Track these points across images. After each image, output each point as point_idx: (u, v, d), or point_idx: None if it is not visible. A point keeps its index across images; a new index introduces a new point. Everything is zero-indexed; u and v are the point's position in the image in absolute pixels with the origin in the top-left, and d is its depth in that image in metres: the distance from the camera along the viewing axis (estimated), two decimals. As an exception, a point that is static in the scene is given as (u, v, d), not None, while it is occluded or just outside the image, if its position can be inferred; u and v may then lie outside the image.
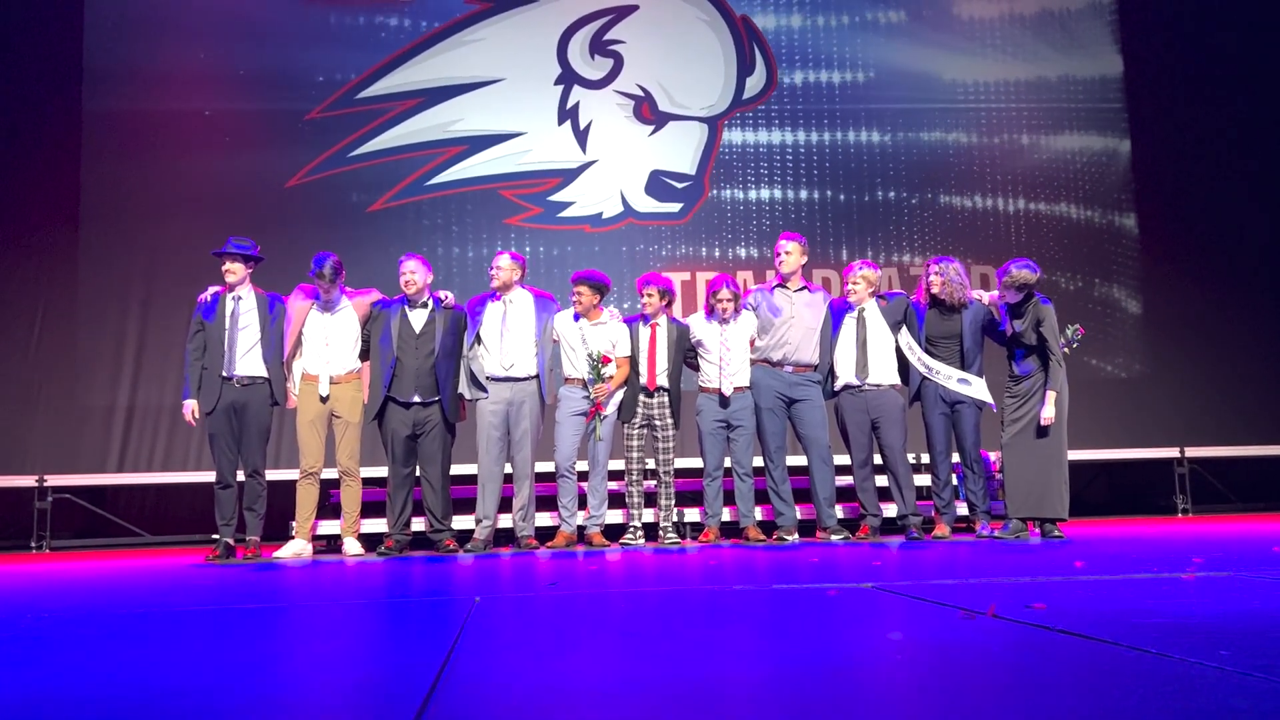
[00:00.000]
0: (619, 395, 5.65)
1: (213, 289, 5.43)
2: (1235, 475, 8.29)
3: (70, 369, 7.52)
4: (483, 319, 5.56)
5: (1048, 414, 5.11)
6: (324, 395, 5.40)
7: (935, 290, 5.52)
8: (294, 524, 5.50)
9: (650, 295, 5.68)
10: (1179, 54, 8.84)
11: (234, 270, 5.35)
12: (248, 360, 5.32)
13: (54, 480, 7.12)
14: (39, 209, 7.69)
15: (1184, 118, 8.74)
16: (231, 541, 5.30)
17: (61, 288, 7.60)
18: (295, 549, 5.38)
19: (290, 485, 5.64)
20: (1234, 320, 8.50)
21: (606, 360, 5.53)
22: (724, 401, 5.62)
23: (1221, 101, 8.81)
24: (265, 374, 5.34)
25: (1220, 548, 4.14)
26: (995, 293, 5.45)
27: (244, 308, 5.36)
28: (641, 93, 8.32)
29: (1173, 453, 7.87)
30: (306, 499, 5.44)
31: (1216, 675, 1.48)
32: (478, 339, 5.55)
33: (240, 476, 5.38)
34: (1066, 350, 5.30)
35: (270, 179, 7.84)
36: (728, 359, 5.61)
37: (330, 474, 5.60)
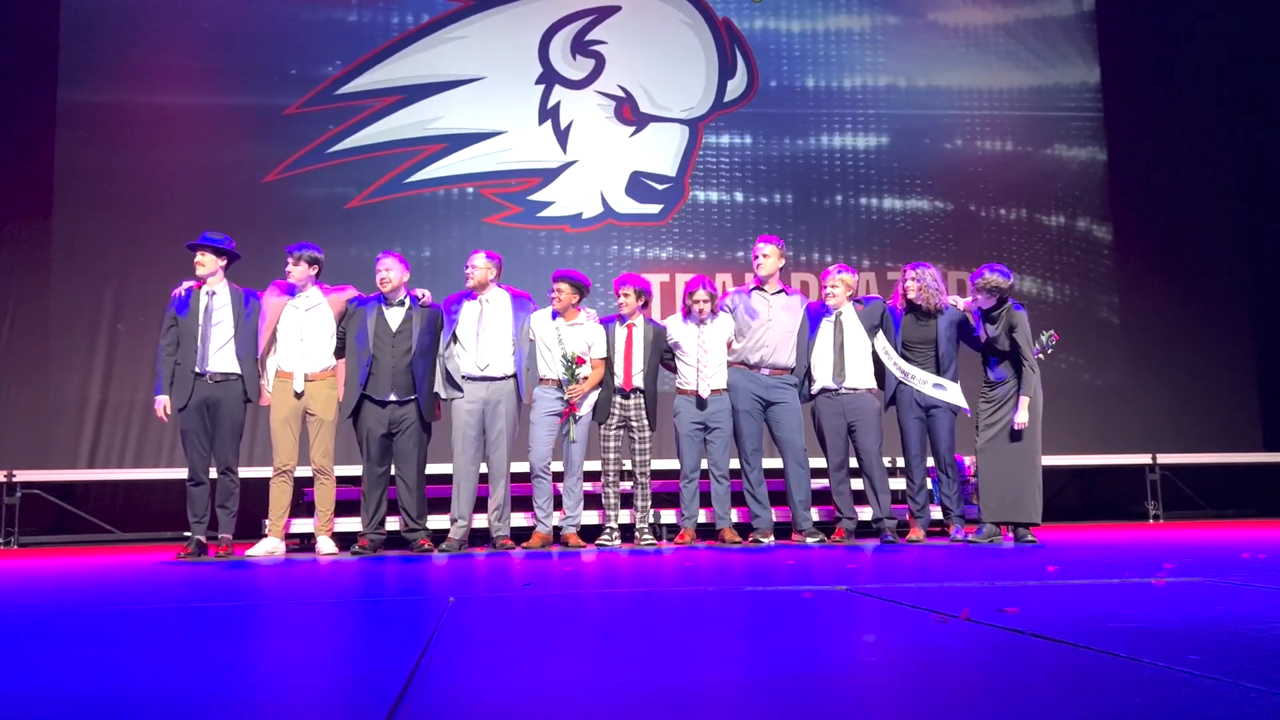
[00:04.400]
0: (593, 396, 5.64)
1: (187, 283, 5.38)
2: (1206, 482, 8.38)
3: (41, 363, 7.43)
4: (459, 318, 5.54)
5: (1021, 419, 5.15)
6: (299, 392, 5.36)
7: (912, 295, 5.55)
8: (267, 522, 5.46)
9: (627, 295, 5.68)
10: (1155, 65, 8.94)
11: (204, 262, 5.30)
12: (221, 356, 5.27)
13: (23, 475, 7.02)
14: (11, 200, 7.60)
15: (1159, 128, 8.84)
16: (203, 539, 5.25)
17: (33, 281, 7.51)
18: (268, 547, 5.34)
19: (263, 483, 5.59)
20: (1206, 329, 8.61)
21: (581, 361, 5.52)
22: (701, 403, 5.62)
23: (1196, 112, 8.91)
24: (239, 370, 5.29)
25: (1191, 553, 4.18)
26: (970, 298, 5.48)
27: (218, 303, 5.31)
28: (623, 94, 8.31)
29: (1145, 459, 7.94)
30: (280, 497, 5.40)
31: (1186, 680, 1.49)
32: (454, 338, 5.53)
33: (213, 474, 5.33)
34: (1041, 356, 5.34)
35: (247, 174, 7.78)
36: (705, 361, 5.62)
37: (304, 472, 5.56)
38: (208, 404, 5.24)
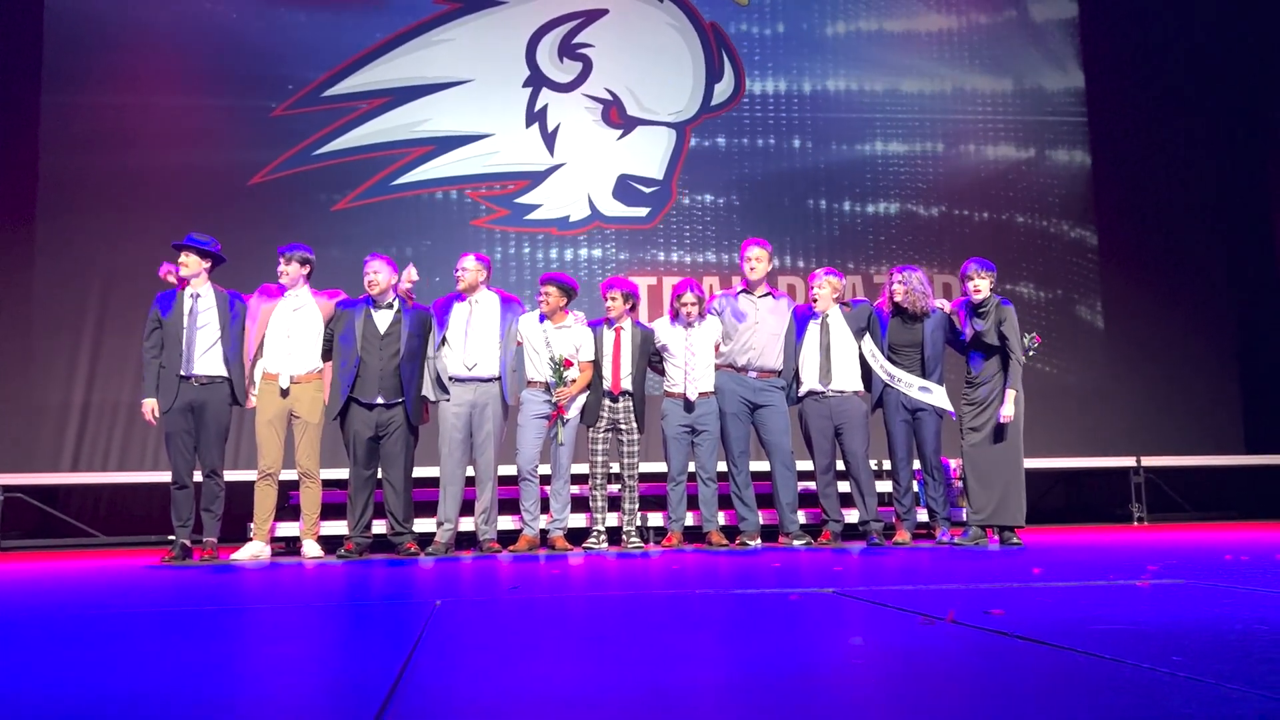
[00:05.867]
0: (581, 399, 5.64)
1: (168, 269, 5.33)
2: (1190, 484, 8.44)
3: (25, 365, 7.38)
4: (449, 320, 5.53)
5: (1007, 412, 5.16)
6: (284, 388, 5.34)
7: (898, 299, 5.56)
8: (252, 525, 5.43)
9: (614, 299, 5.68)
10: (1138, 71, 9.01)
11: (187, 263, 5.27)
12: (207, 359, 5.24)
13: (5, 479, 6.96)
14: (-6, 202, 7.55)
15: (1143, 134, 8.91)
16: (188, 543, 5.22)
17: (17, 283, 7.46)
18: (253, 551, 5.31)
19: (249, 486, 5.56)
20: (1190, 332, 8.67)
21: (568, 364, 5.51)
22: (689, 406, 5.62)
23: (1179, 119, 8.98)
24: (225, 373, 5.27)
25: (1174, 556, 4.20)
26: (958, 297, 5.50)
27: (203, 305, 5.28)
28: (610, 97, 8.32)
29: (1129, 462, 7.98)
30: (265, 500, 5.37)
31: (1169, 681, 1.50)
32: (443, 340, 5.52)
33: (198, 477, 5.30)
34: (1023, 358, 5.36)
35: (234, 176, 7.74)
36: (692, 364, 5.62)
37: (290, 475, 5.53)
38: (193, 407, 5.21)
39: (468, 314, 5.53)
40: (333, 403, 5.41)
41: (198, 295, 5.29)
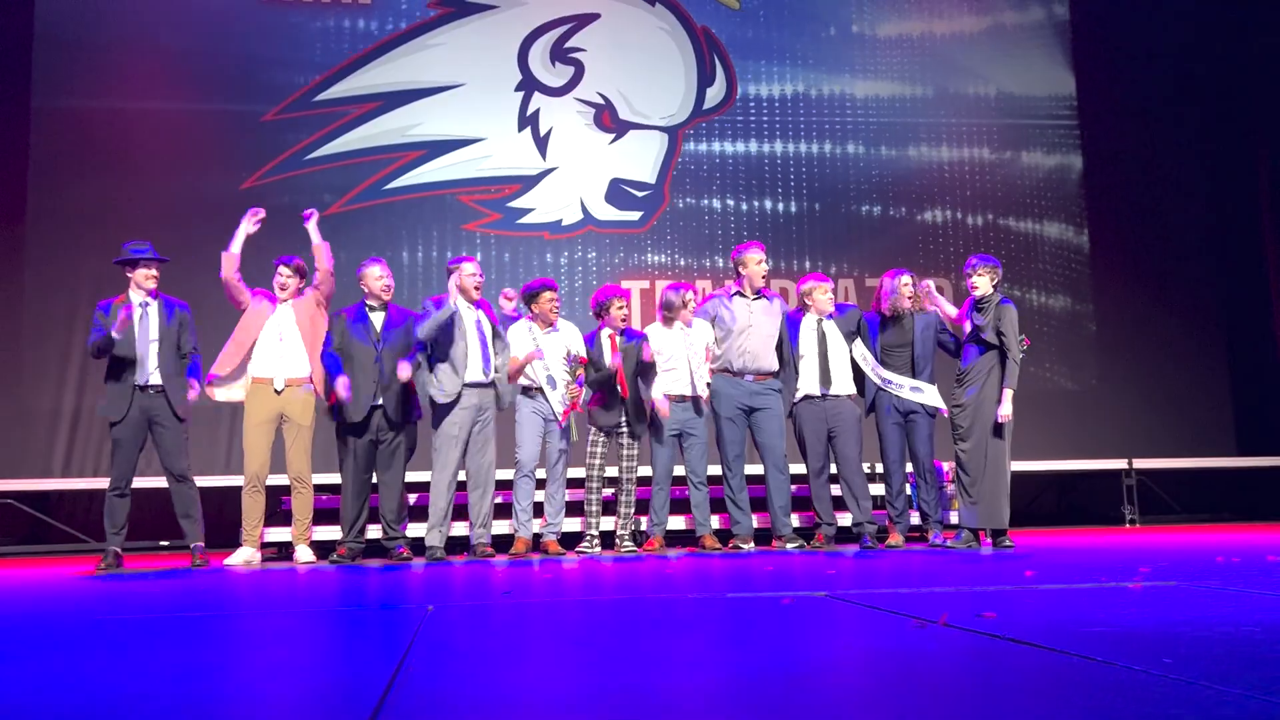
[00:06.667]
0: (584, 396, 5.69)
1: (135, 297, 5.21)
2: (1181, 486, 8.46)
3: (15, 371, 7.34)
4: (466, 327, 5.45)
5: (1005, 411, 5.17)
6: (278, 389, 5.33)
7: (906, 305, 5.58)
8: (242, 531, 5.41)
9: (621, 307, 5.70)
10: (1129, 74, 9.03)
11: (158, 275, 5.25)
12: (158, 369, 5.17)
13: (-4, 485, 6.94)
14: (-16, 207, 7.51)
15: (1133, 136, 8.93)
16: (119, 550, 5.13)
17: (6, 288, 7.42)
18: (244, 556, 5.30)
19: (240, 492, 5.53)
20: (1181, 335, 8.69)
21: (584, 361, 5.58)
22: (697, 408, 5.64)
23: (1169, 121, 9.01)
24: (163, 384, 5.16)
25: (1166, 558, 4.22)
26: (964, 303, 5.51)
27: (153, 315, 5.20)
28: (602, 101, 8.32)
29: (1121, 464, 8.00)
30: (253, 508, 5.35)
31: (1160, 683, 1.51)
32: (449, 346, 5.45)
33: (155, 484, 5.23)
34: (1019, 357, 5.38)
35: (225, 181, 7.71)
36: (695, 363, 5.64)
37: (279, 480, 5.50)
38: (147, 416, 5.15)
39: (481, 319, 5.52)
40: (356, 410, 5.32)
41: (146, 304, 5.24)
